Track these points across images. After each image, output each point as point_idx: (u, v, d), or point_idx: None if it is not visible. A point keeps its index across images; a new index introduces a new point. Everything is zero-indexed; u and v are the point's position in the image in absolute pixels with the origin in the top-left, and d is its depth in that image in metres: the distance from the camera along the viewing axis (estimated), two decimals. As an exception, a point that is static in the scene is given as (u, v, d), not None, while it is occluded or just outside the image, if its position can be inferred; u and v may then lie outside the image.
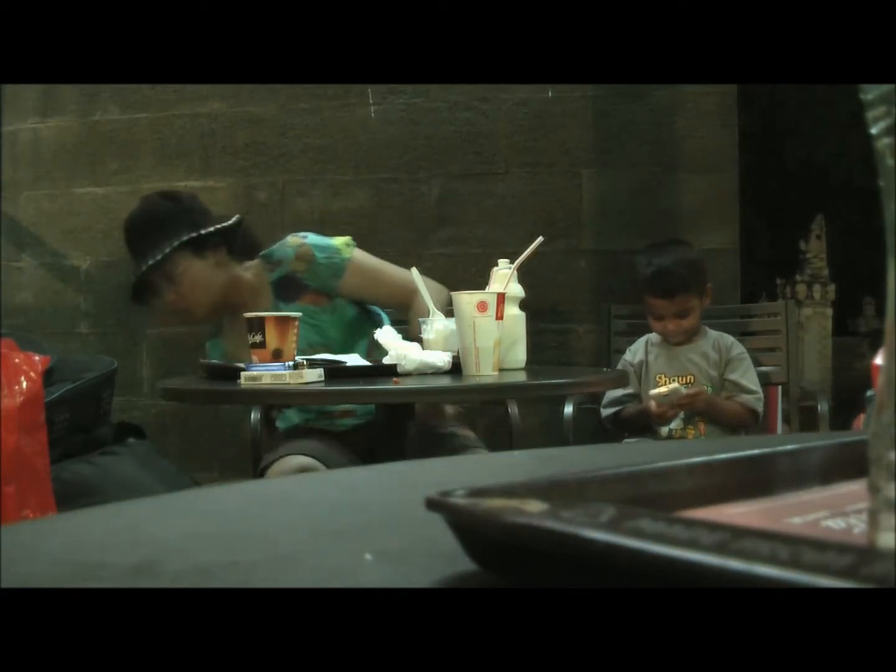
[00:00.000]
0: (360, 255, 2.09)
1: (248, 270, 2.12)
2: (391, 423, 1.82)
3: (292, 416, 2.11)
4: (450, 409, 2.07)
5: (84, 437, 2.25)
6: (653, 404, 2.31)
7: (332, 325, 2.05)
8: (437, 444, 1.92)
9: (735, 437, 2.20)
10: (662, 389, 2.28)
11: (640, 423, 2.41)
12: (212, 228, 2.06)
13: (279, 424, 2.16)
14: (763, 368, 2.58)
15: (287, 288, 2.06)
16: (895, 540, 0.28)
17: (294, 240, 2.09)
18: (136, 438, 2.41)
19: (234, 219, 2.11)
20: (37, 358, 2.16)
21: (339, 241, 2.08)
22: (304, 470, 1.78)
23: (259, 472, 1.97)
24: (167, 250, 2.00)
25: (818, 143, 5.36)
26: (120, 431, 2.37)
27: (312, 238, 2.09)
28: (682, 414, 2.34)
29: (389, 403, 1.74)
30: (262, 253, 2.13)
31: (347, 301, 2.08)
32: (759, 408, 2.40)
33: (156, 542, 0.41)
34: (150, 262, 1.99)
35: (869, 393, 3.40)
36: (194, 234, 2.03)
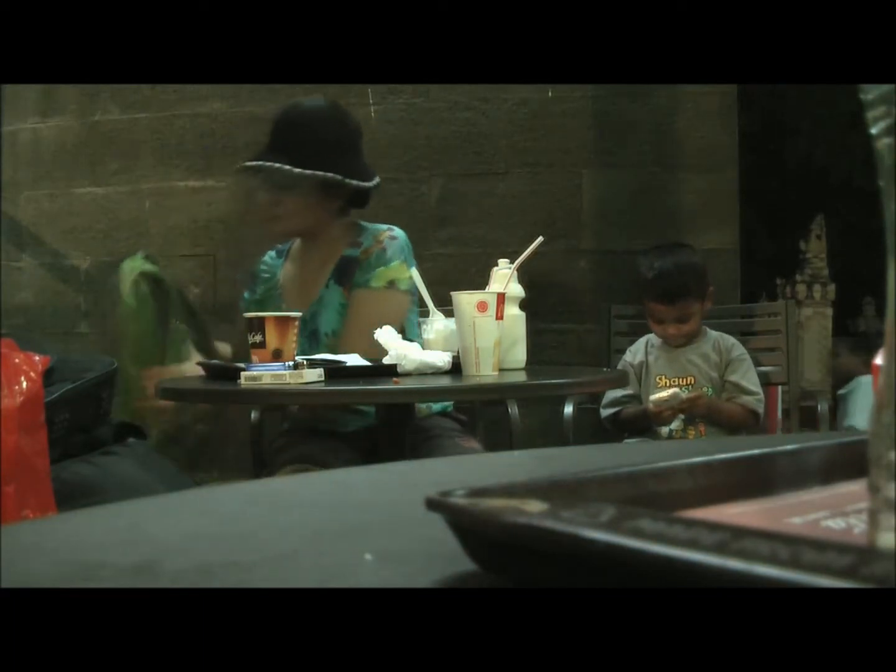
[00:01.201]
0: (401, 298, 2.00)
1: (335, 230, 2.06)
2: (391, 423, 1.81)
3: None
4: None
5: (84, 437, 2.24)
6: (652, 406, 2.31)
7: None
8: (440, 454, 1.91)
9: (735, 437, 2.20)
10: (662, 394, 2.28)
11: (640, 425, 2.41)
12: (356, 183, 1.98)
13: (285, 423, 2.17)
14: (763, 368, 2.57)
15: (345, 271, 2.03)
16: (895, 540, 0.28)
17: (390, 236, 2.03)
18: (135, 438, 2.41)
19: (375, 180, 2.03)
20: (37, 358, 2.16)
21: (405, 272, 1.98)
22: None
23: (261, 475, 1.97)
24: (319, 171, 1.93)
25: (818, 143, 5.36)
26: (120, 431, 2.37)
27: (401, 242, 2.03)
28: (682, 414, 2.34)
29: (389, 403, 1.74)
30: (363, 225, 2.08)
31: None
32: (760, 409, 2.39)
33: (156, 542, 0.41)
34: (299, 166, 1.92)
35: (841, 391, 3.38)
36: (342, 175, 1.95)
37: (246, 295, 2.18)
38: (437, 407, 2.09)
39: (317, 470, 1.80)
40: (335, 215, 2.05)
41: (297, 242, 2.15)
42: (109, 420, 2.34)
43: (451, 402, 2.13)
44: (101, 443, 2.29)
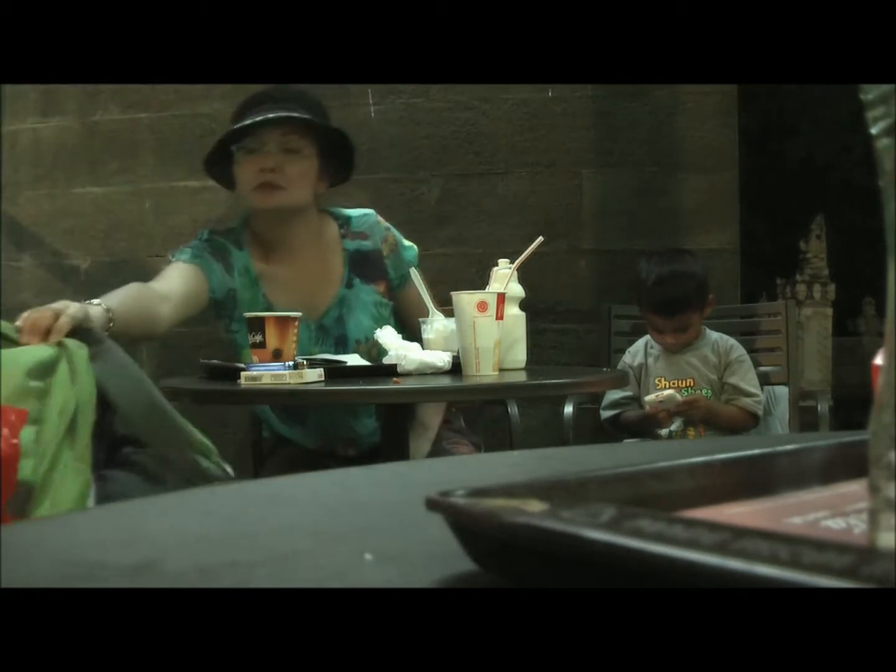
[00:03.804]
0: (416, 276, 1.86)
1: (312, 215, 1.89)
2: (391, 424, 1.81)
3: (294, 442, 1.96)
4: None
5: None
6: (647, 408, 2.31)
7: (392, 325, 1.80)
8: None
9: (735, 438, 2.20)
10: (656, 396, 2.28)
11: (640, 428, 2.41)
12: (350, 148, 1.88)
13: (265, 434, 2.05)
14: (763, 368, 2.57)
15: (367, 265, 1.89)
16: (895, 540, 0.28)
17: (381, 220, 1.93)
18: (134, 447, 2.35)
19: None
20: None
21: (413, 246, 1.94)
22: None
23: None
24: (329, 125, 1.84)
25: (818, 143, 5.36)
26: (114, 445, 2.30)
27: (392, 229, 1.94)
28: (680, 417, 2.34)
29: (389, 404, 1.74)
30: (335, 211, 1.94)
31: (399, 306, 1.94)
32: (759, 411, 2.39)
33: (156, 542, 0.41)
34: (298, 114, 1.78)
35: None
36: (344, 137, 1.86)
37: (213, 278, 1.83)
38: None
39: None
40: (319, 194, 1.90)
41: (246, 231, 1.91)
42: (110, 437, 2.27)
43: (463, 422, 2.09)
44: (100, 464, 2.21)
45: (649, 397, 2.30)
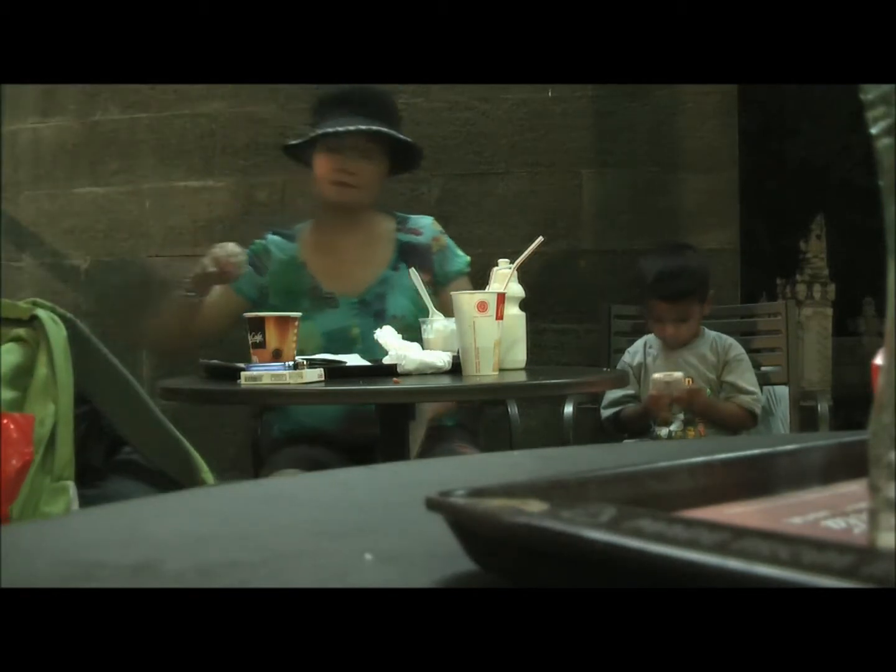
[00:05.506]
0: (466, 282, 2.09)
1: (370, 210, 2.13)
2: (391, 423, 1.81)
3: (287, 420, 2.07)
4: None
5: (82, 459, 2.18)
6: (652, 389, 2.30)
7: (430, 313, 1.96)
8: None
9: (735, 437, 2.20)
10: (668, 375, 2.28)
11: (640, 424, 2.40)
12: (412, 144, 2.08)
13: (275, 431, 2.12)
14: (763, 368, 2.57)
15: (415, 256, 2.06)
16: (895, 540, 0.28)
17: (437, 225, 2.15)
18: (132, 448, 2.34)
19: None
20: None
21: (464, 256, 2.14)
22: None
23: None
24: (406, 140, 2.03)
25: (818, 143, 5.36)
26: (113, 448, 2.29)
27: (447, 236, 2.16)
28: (681, 416, 2.34)
29: (389, 403, 1.74)
30: (398, 214, 2.16)
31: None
32: (757, 409, 2.39)
33: (156, 542, 0.41)
34: (387, 129, 1.98)
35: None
36: (415, 148, 2.09)
37: (242, 282, 2.01)
38: (449, 422, 2.09)
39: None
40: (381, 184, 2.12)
41: (309, 225, 2.15)
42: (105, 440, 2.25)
43: (467, 422, 2.16)
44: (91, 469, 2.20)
45: (657, 375, 2.30)
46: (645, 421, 2.38)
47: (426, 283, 1.95)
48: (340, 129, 1.95)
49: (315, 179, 2.08)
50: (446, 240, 2.14)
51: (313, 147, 2.04)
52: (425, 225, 2.14)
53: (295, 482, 0.61)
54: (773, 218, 5.18)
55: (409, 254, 2.07)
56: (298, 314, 1.69)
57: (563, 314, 2.97)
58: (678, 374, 2.29)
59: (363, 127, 1.96)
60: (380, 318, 1.98)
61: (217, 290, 1.97)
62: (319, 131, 1.98)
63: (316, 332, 1.97)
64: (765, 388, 2.53)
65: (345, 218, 2.09)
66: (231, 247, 1.84)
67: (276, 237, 2.12)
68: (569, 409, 2.46)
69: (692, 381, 2.39)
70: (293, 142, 2.09)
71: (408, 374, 1.61)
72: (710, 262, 2.65)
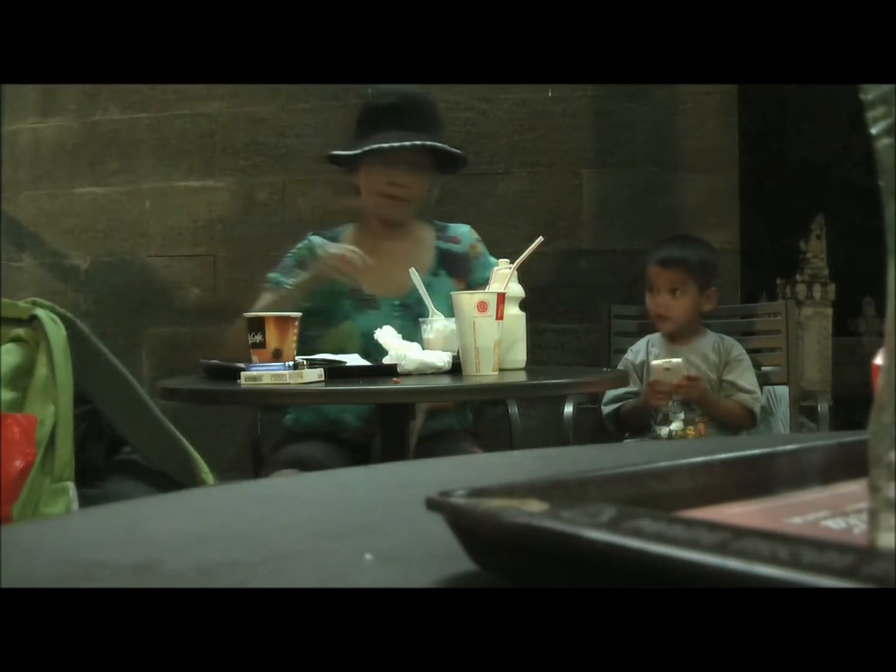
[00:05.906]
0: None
1: (423, 223, 2.17)
2: (391, 423, 1.81)
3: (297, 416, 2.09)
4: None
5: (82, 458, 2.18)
6: (652, 374, 2.30)
7: None
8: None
9: (735, 437, 2.20)
10: (668, 362, 2.28)
11: (640, 419, 2.40)
12: (459, 153, 2.10)
13: (287, 421, 2.14)
14: (763, 368, 2.57)
15: (454, 263, 2.11)
16: (895, 540, 0.28)
17: (474, 233, 2.19)
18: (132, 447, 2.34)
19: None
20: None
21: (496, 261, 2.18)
22: None
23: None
24: (454, 151, 2.04)
25: (818, 143, 5.36)
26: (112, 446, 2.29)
27: (482, 244, 2.20)
28: (681, 415, 2.34)
29: (389, 403, 1.74)
30: (438, 223, 2.20)
31: None
32: (757, 408, 2.39)
33: (156, 542, 0.41)
34: (440, 144, 2.00)
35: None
36: (461, 158, 2.10)
37: (277, 275, 2.08)
38: (455, 424, 2.09)
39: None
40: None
41: (350, 228, 2.17)
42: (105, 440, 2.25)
43: (469, 421, 2.18)
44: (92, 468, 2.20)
45: (656, 362, 2.30)
46: (645, 416, 2.38)
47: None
48: (395, 144, 1.96)
49: (361, 190, 2.09)
50: (482, 247, 2.19)
51: (360, 158, 2.03)
52: (463, 233, 2.19)
53: (295, 482, 0.61)
54: (773, 218, 5.18)
55: (449, 261, 2.12)
56: (298, 314, 1.69)
57: (563, 314, 2.97)
58: (677, 361, 2.29)
59: (418, 143, 1.97)
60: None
61: (268, 292, 2.00)
62: (372, 147, 1.97)
63: (356, 332, 1.99)
64: (765, 388, 2.53)
65: (389, 226, 2.12)
66: (352, 249, 1.90)
67: (318, 238, 2.13)
68: (569, 409, 2.46)
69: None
70: (341, 153, 2.08)
71: (408, 374, 1.61)
72: (719, 259, 2.65)
